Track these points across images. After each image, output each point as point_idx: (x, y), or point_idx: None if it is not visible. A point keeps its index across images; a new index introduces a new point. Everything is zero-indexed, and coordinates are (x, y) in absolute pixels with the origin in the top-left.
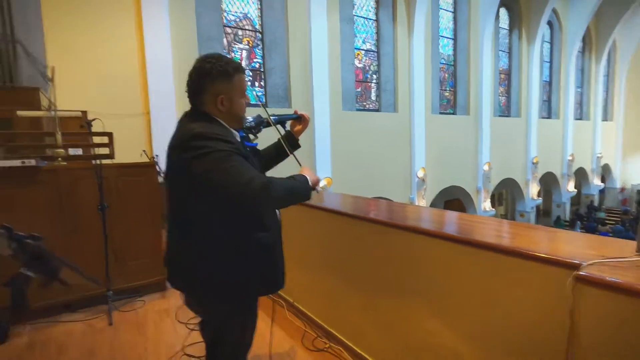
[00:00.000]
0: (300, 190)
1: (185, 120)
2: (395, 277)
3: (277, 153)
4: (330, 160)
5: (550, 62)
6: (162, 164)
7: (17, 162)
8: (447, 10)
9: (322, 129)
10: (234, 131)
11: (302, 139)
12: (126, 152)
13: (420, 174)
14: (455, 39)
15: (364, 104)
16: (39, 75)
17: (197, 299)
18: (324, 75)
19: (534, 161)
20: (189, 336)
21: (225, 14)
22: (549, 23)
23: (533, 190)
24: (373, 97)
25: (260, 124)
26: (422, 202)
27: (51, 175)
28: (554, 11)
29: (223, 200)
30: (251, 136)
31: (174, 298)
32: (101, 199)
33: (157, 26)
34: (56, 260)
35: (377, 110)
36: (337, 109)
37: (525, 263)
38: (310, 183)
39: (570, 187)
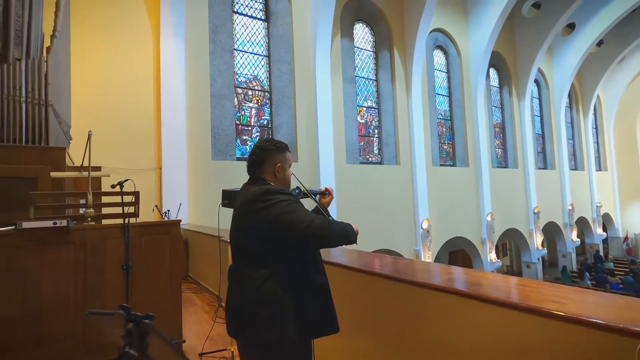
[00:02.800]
0: (350, 233)
1: (249, 186)
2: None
3: None
4: (335, 211)
5: (541, 116)
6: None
7: (49, 223)
8: (441, 71)
9: (327, 181)
10: None
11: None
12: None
13: (425, 225)
14: (450, 96)
15: (367, 157)
16: (64, 136)
17: (259, 341)
18: (328, 130)
19: (535, 211)
20: None
21: (237, 76)
22: (536, 81)
23: (537, 240)
24: (375, 151)
25: (299, 194)
26: (428, 253)
27: (79, 235)
28: (540, 70)
29: (292, 239)
30: None
31: None
32: (127, 259)
33: (174, 90)
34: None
35: (380, 163)
36: (341, 161)
37: (581, 330)
38: (354, 230)
39: (574, 236)
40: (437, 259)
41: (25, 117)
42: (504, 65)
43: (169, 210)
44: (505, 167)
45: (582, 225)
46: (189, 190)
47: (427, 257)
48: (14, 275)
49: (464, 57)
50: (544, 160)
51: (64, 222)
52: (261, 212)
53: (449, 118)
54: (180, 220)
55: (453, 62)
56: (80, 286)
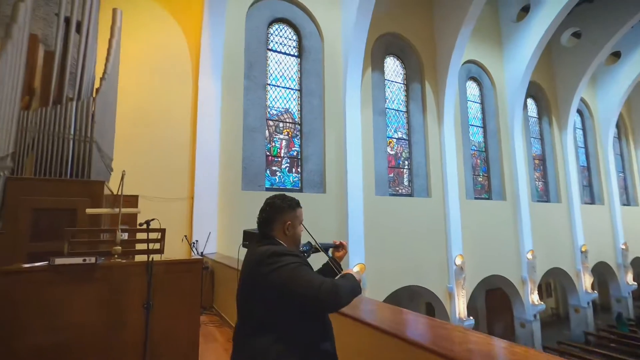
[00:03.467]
0: (357, 288)
1: (256, 245)
2: None
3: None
4: (364, 245)
5: (586, 147)
6: (200, 249)
7: (79, 260)
8: (474, 102)
9: (355, 213)
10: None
11: (334, 223)
12: (169, 233)
13: (458, 261)
14: (484, 127)
15: (397, 188)
16: (106, 168)
17: None
18: (357, 161)
19: (583, 249)
20: None
21: (268, 109)
22: (579, 111)
23: (586, 282)
24: (405, 182)
25: (310, 249)
26: (462, 292)
27: (106, 272)
28: (582, 100)
29: (300, 304)
30: None
31: None
32: (149, 298)
33: (209, 125)
34: None
35: (410, 195)
36: (370, 193)
37: None
38: (357, 279)
39: (629, 279)
40: (472, 298)
41: (71, 152)
42: (543, 96)
43: (197, 241)
44: (546, 202)
45: (639, 267)
46: (219, 220)
47: (461, 295)
48: (44, 308)
49: (498, 87)
50: (591, 194)
51: (92, 259)
52: (267, 276)
53: (483, 149)
54: (202, 259)
55: (487, 93)
56: (104, 322)
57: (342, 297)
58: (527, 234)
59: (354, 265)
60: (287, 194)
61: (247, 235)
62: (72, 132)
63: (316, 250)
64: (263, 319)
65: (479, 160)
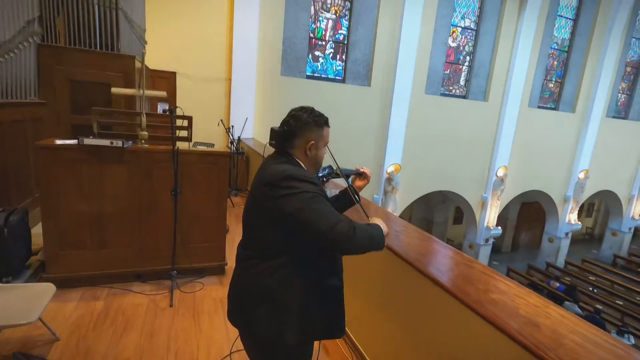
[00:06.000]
0: (378, 240)
1: (272, 161)
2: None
3: (340, 204)
4: (403, 145)
5: None
6: (236, 135)
7: (106, 142)
8: None
9: (399, 111)
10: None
11: (376, 120)
12: (206, 116)
13: (500, 173)
14: (576, 20)
15: (450, 88)
16: (137, 40)
17: (257, 338)
18: (411, 53)
19: None
20: (237, 341)
21: None
22: None
23: (637, 208)
24: (462, 82)
25: (331, 174)
26: (497, 202)
27: (134, 156)
28: None
29: (310, 239)
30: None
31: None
32: (175, 185)
33: None
34: None
35: (464, 97)
36: (419, 91)
37: None
38: (384, 236)
39: None
40: (505, 209)
41: (97, 20)
42: None
43: (232, 126)
44: (624, 118)
45: None
46: (257, 105)
47: (495, 206)
48: (80, 182)
49: None
50: None
51: (119, 143)
52: (279, 200)
53: (566, 49)
54: (228, 153)
55: None
56: (136, 203)
57: (355, 244)
58: (587, 153)
59: (389, 165)
60: (328, 83)
61: (274, 134)
62: None
63: (336, 176)
64: (265, 243)
65: (556, 62)
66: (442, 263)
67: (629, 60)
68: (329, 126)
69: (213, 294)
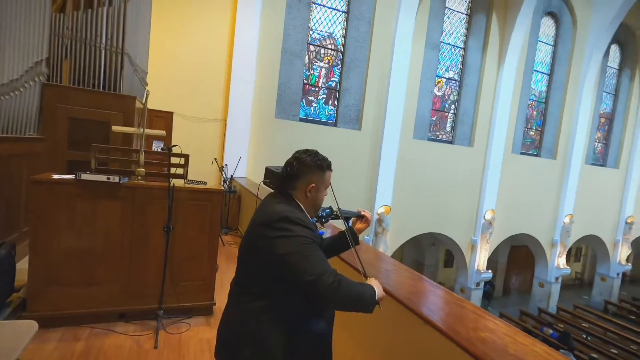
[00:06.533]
0: (366, 300)
1: (271, 200)
2: None
3: (337, 246)
4: (393, 187)
5: None
6: (229, 173)
7: (103, 178)
8: (547, 44)
9: (389, 154)
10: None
11: (366, 162)
12: (200, 155)
13: (489, 216)
14: (551, 74)
15: (437, 133)
16: (139, 82)
17: None
18: (399, 99)
19: (628, 221)
20: None
21: (311, 32)
22: None
23: (622, 253)
24: (448, 128)
25: (330, 215)
26: (486, 245)
27: (129, 192)
28: None
29: (295, 284)
30: (318, 225)
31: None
32: (169, 221)
33: (247, 43)
34: None
35: (451, 142)
36: (407, 136)
37: None
38: (377, 297)
39: None
40: (495, 252)
41: (104, 63)
42: (632, 42)
43: (226, 165)
44: (602, 166)
45: None
46: (250, 145)
47: (484, 249)
48: (73, 217)
49: (580, 27)
50: None
51: (116, 179)
52: (272, 240)
53: (543, 100)
54: (222, 190)
55: (564, 33)
56: (127, 239)
57: (337, 298)
58: (570, 198)
59: (379, 206)
60: (320, 126)
61: (269, 173)
62: (103, 41)
63: (336, 217)
64: (257, 283)
65: (535, 112)
66: (433, 302)
67: (602, 112)
68: (331, 170)
69: (200, 335)
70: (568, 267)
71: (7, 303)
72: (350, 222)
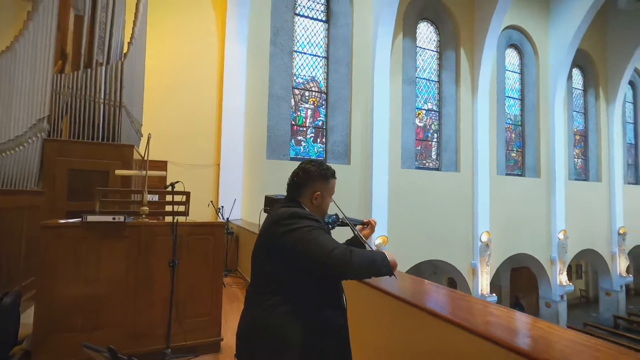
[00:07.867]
0: (380, 265)
1: (281, 206)
2: None
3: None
4: (387, 217)
5: (635, 123)
6: (226, 215)
7: (108, 218)
8: (513, 72)
9: (380, 186)
10: None
11: (358, 195)
12: (196, 199)
13: (484, 238)
14: (522, 99)
15: (424, 162)
16: (135, 133)
17: None
18: (384, 133)
19: (620, 232)
20: None
21: (295, 78)
22: (631, 83)
23: (621, 265)
24: (433, 156)
25: (336, 222)
26: (486, 268)
27: (134, 230)
28: (636, 70)
29: (308, 268)
30: None
31: None
32: (174, 256)
33: (235, 92)
34: None
35: (438, 169)
36: (396, 166)
37: None
38: (389, 260)
39: None
40: (497, 275)
41: (102, 117)
42: (591, 65)
43: (222, 207)
44: (585, 180)
45: None
46: (244, 187)
47: (485, 272)
48: (79, 261)
49: (541, 56)
50: (636, 174)
51: (121, 218)
52: (282, 236)
53: (519, 123)
54: (224, 222)
55: (528, 62)
56: (132, 278)
57: (352, 266)
58: (560, 214)
59: (376, 237)
60: None
61: (269, 201)
62: (102, 96)
63: (342, 224)
64: (272, 280)
65: (513, 135)
66: (439, 299)
67: (575, 130)
68: (335, 178)
69: None
70: (571, 284)
71: (10, 356)
72: (357, 228)
